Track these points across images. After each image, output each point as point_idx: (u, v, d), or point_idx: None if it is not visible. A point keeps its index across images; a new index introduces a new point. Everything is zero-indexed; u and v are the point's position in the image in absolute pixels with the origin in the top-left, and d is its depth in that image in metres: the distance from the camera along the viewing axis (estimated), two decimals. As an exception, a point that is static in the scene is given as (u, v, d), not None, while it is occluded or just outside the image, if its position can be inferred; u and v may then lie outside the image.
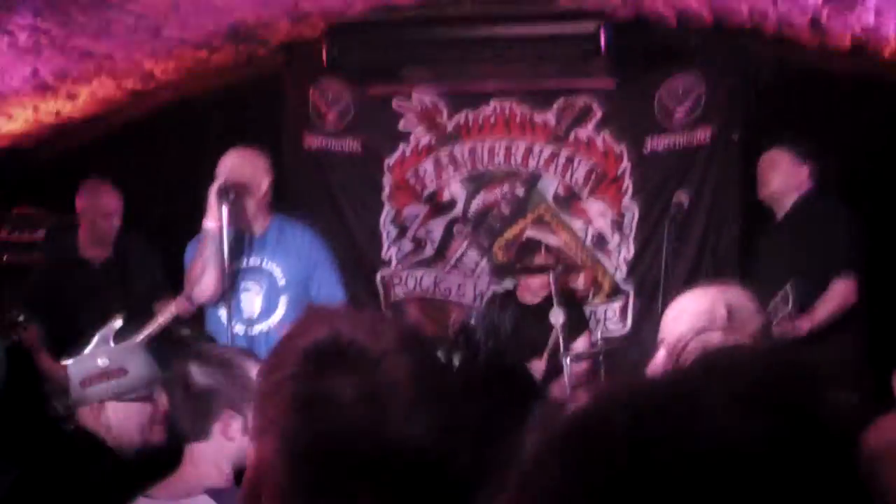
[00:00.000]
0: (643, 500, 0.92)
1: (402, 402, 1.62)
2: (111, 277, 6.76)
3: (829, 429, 0.96)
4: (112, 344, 4.25)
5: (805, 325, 5.57)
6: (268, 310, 5.71)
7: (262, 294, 5.72)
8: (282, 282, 5.72)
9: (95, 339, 4.97)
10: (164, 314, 6.07)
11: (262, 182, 5.74)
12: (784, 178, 6.14)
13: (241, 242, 5.70)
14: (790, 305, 5.18)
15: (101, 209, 6.75)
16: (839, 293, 5.82)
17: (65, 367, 4.26)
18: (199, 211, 5.68)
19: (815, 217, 6.06)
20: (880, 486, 0.99)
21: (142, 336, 5.79)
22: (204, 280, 5.63)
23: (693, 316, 3.00)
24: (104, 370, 4.02)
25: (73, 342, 5.01)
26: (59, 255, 7.00)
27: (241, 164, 5.71)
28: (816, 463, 0.93)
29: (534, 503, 0.99)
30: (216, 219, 5.51)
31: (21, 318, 6.30)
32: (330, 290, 5.78)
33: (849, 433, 0.99)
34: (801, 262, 5.88)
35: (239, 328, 5.62)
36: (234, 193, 5.54)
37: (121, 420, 3.98)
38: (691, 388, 0.97)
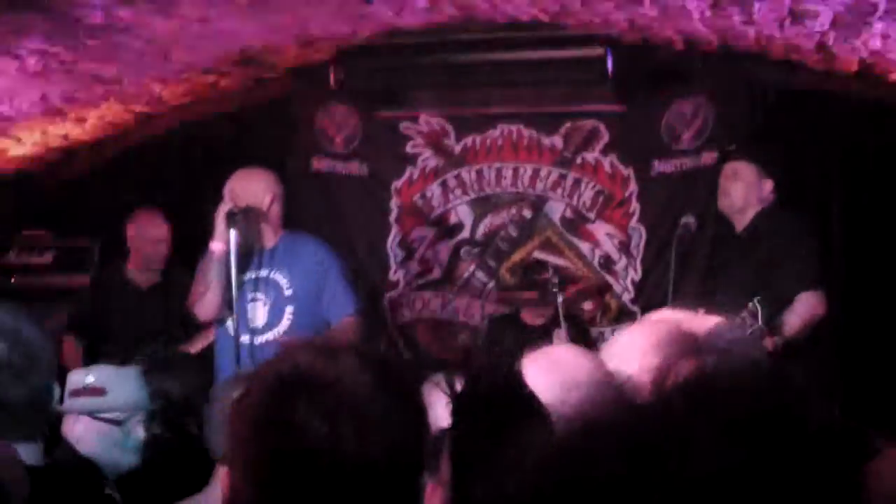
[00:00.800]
0: None
1: (358, 422, 1.69)
2: (156, 301, 6.88)
3: (826, 455, 0.95)
4: (108, 365, 4.41)
5: (774, 341, 5.53)
6: (273, 320, 5.75)
7: (268, 304, 5.76)
8: (287, 292, 5.76)
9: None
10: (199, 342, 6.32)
11: (269, 200, 5.79)
12: (747, 190, 6.09)
13: (251, 256, 5.74)
14: (759, 321, 5.13)
15: (149, 237, 6.91)
16: (807, 306, 5.77)
17: None
18: (207, 233, 5.71)
19: (777, 230, 6.02)
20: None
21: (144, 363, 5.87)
22: (207, 298, 5.69)
23: (655, 348, 2.97)
24: (86, 386, 4.17)
25: (115, 360, 5.08)
26: (107, 276, 7.15)
27: (247, 185, 5.76)
28: (815, 488, 0.93)
29: None
30: (223, 241, 5.56)
31: None
32: (342, 299, 5.82)
33: (845, 456, 0.99)
34: (763, 274, 5.86)
35: (245, 338, 5.67)
36: (242, 215, 5.60)
37: (80, 434, 4.11)
38: (677, 421, 0.96)
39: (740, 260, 6.10)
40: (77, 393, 4.17)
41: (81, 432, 4.11)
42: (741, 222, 6.12)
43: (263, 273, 5.79)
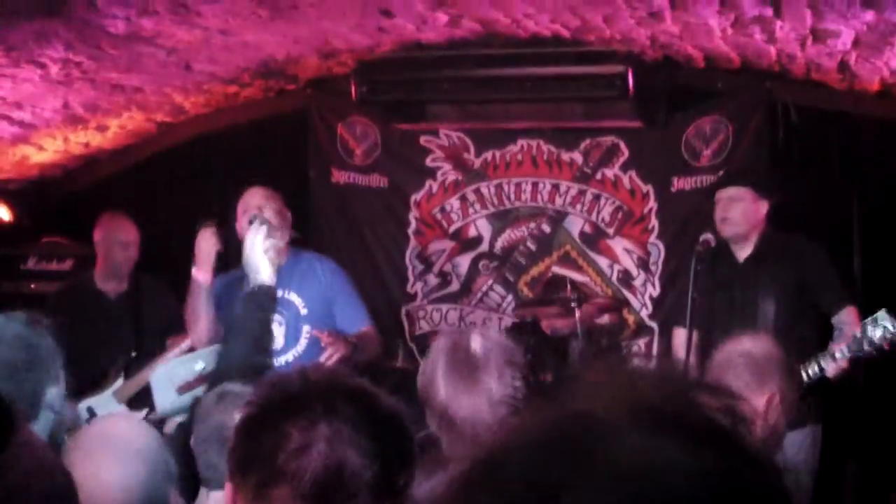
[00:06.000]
0: None
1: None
2: (125, 311, 6.76)
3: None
4: (201, 350, 4.19)
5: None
6: (290, 341, 5.73)
7: (284, 325, 5.74)
8: (303, 311, 5.74)
9: (177, 351, 5.01)
10: (177, 349, 6.18)
11: (287, 218, 5.79)
12: (745, 215, 6.08)
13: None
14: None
15: (118, 241, 6.78)
16: (853, 322, 5.76)
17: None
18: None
19: (786, 252, 6.02)
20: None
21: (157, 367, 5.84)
22: (198, 328, 5.65)
23: None
24: (201, 374, 3.99)
25: (82, 370, 4.97)
26: (77, 284, 7.02)
27: (266, 201, 5.75)
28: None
29: None
30: (206, 270, 5.52)
31: None
32: (356, 311, 5.82)
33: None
34: (779, 298, 5.87)
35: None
36: (261, 222, 5.59)
37: None
38: (594, 421, 0.94)
39: (743, 287, 6.06)
40: (191, 384, 4.02)
41: None
42: (745, 249, 6.10)
43: (277, 293, 5.77)
